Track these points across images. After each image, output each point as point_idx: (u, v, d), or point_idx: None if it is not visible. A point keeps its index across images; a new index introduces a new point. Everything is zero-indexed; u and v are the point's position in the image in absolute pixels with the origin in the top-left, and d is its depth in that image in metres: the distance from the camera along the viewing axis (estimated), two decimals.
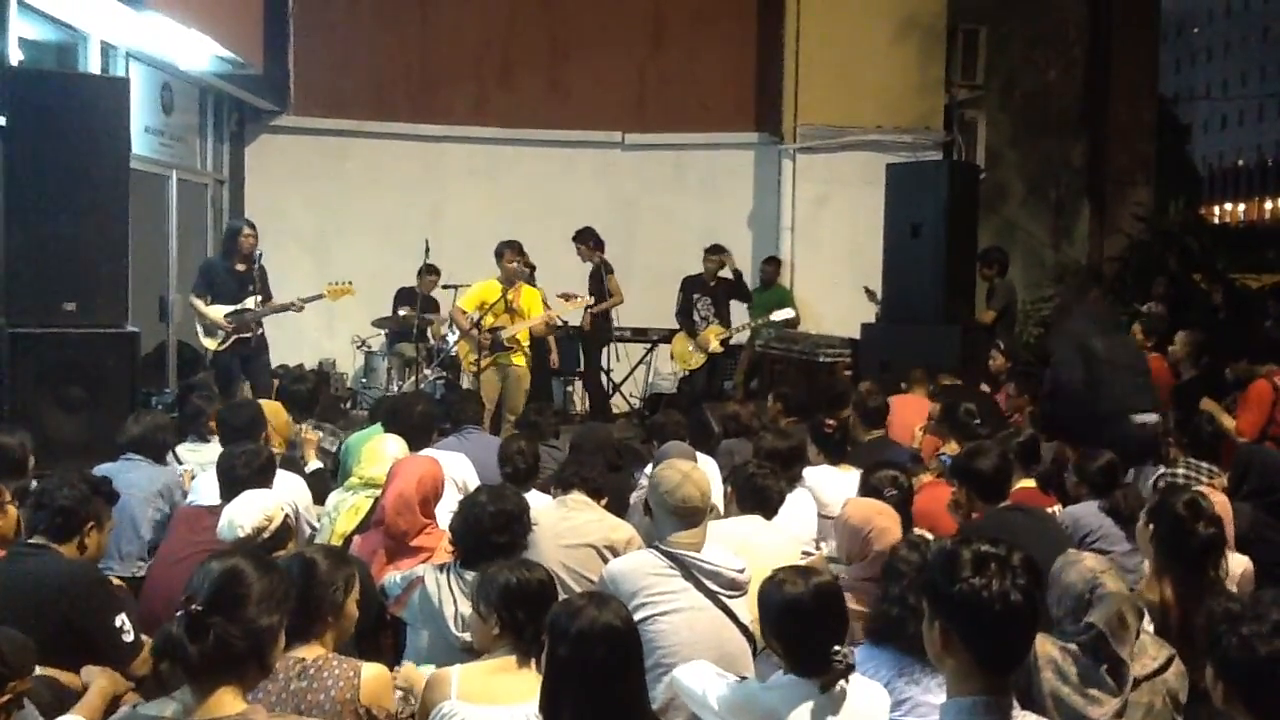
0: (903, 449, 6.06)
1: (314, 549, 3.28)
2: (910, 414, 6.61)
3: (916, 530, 4.41)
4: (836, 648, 2.73)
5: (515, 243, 8.30)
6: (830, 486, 5.21)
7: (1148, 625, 3.38)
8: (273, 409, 5.86)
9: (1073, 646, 3.06)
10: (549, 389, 9.78)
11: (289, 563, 3.07)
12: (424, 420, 5.70)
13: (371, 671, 2.94)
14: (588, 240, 9.88)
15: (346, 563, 3.16)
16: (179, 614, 2.25)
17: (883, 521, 3.99)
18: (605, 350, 10.12)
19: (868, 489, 4.51)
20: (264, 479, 4.31)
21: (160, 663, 2.29)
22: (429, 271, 9.91)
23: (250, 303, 8.02)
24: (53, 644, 3.23)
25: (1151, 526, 3.65)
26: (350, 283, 8.48)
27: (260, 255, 8.18)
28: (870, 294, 9.69)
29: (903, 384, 7.28)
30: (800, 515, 4.95)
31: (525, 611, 3.03)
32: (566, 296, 9.10)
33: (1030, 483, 5.21)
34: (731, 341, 10.17)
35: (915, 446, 6.14)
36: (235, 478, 4.25)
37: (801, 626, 2.85)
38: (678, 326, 10.05)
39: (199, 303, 8.06)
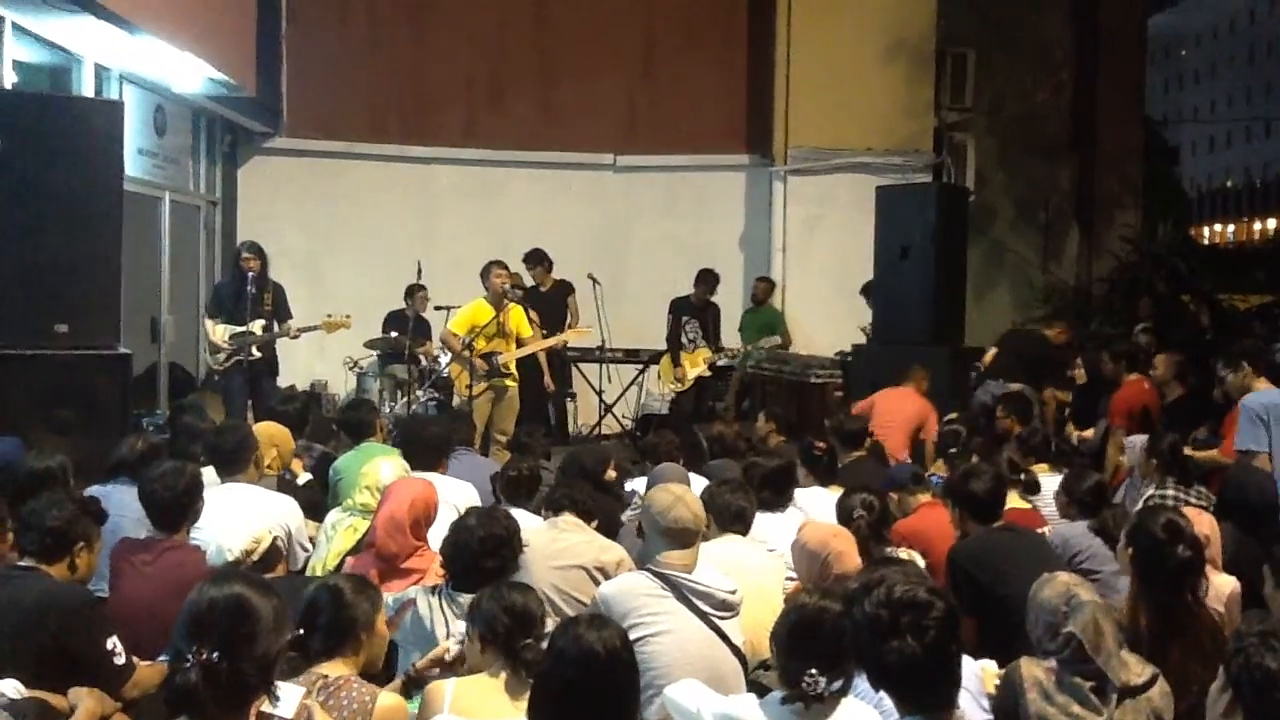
0: (904, 466, 6.04)
1: (337, 577, 3.31)
2: (893, 405, 6.64)
3: (901, 550, 4.44)
4: (812, 671, 2.73)
5: (501, 262, 8.35)
6: (820, 508, 5.19)
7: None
8: (280, 433, 5.77)
9: (1054, 664, 3.08)
10: (544, 410, 9.81)
11: (317, 593, 3.10)
12: (437, 442, 5.62)
13: (388, 701, 2.92)
14: (542, 261, 10.03)
15: (371, 587, 3.24)
16: (191, 663, 2.20)
17: (839, 544, 4.03)
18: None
19: (841, 512, 4.56)
20: (187, 502, 4.11)
21: (175, 716, 2.24)
22: (418, 289, 9.89)
23: (256, 326, 8.23)
24: (42, 665, 3.22)
25: (1130, 549, 3.69)
26: (348, 316, 8.60)
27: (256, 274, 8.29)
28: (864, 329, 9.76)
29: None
30: (790, 537, 4.95)
31: (517, 633, 3.05)
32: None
33: (1021, 502, 5.24)
34: (719, 364, 10.21)
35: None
36: (156, 503, 4.09)
37: (787, 643, 2.86)
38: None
39: (209, 323, 8.38)
